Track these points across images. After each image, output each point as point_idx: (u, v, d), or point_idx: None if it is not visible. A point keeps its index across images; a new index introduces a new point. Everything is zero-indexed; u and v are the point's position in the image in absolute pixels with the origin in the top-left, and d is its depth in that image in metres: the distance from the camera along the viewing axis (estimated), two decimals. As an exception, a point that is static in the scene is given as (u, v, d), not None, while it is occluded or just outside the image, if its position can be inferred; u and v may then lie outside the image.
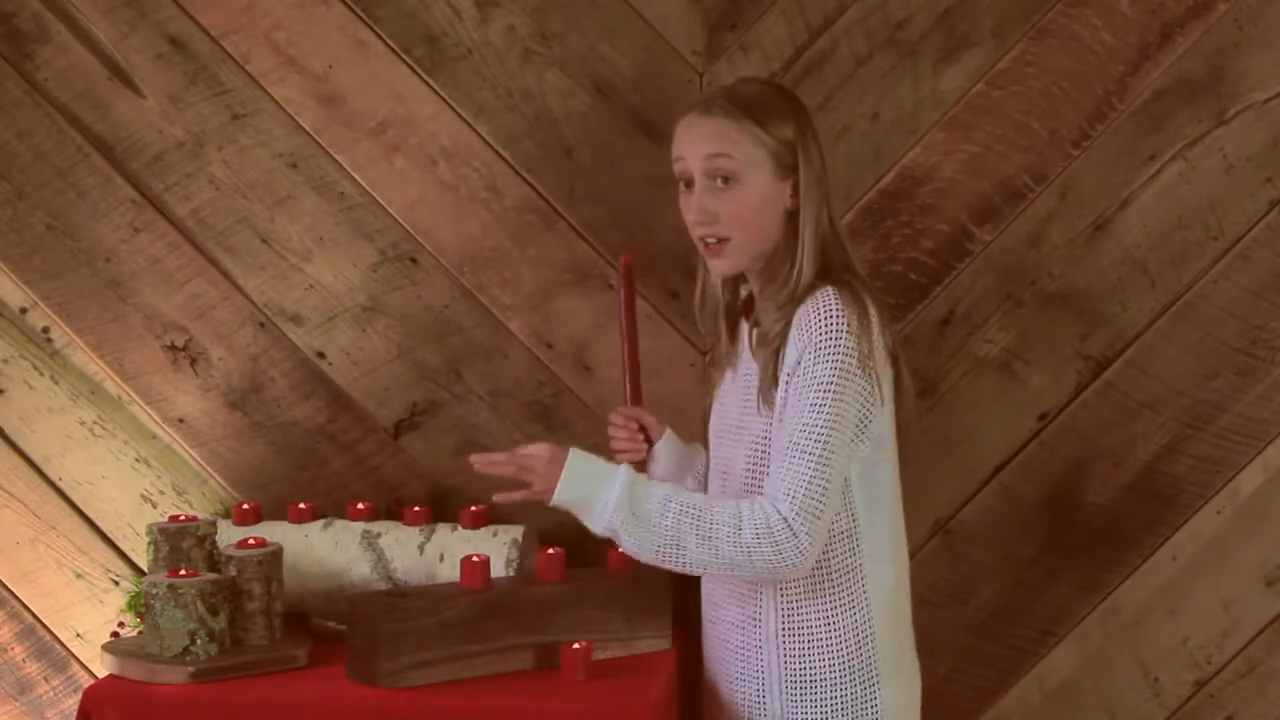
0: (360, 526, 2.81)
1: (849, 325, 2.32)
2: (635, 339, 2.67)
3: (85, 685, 2.66)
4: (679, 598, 2.70)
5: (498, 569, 2.69)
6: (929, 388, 2.90)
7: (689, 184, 2.46)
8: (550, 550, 2.62)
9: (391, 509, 2.95)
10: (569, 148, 2.92)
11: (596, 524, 2.34)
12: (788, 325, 2.37)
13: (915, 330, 2.90)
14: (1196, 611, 2.91)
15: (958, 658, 2.93)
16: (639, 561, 2.66)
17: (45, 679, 3.05)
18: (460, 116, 2.93)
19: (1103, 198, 2.86)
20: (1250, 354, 2.86)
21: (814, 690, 2.40)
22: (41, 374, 3.01)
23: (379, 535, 2.78)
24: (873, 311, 2.36)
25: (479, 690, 2.43)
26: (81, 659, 3.03)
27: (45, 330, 3.01)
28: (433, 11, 2.92)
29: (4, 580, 3.04)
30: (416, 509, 2.84)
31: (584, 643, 2.50)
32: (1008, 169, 2.87)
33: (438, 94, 2.93)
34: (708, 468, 2.65)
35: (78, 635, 3.03)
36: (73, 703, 2.95)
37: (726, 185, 2.42)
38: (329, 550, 2.79)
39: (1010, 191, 2.87)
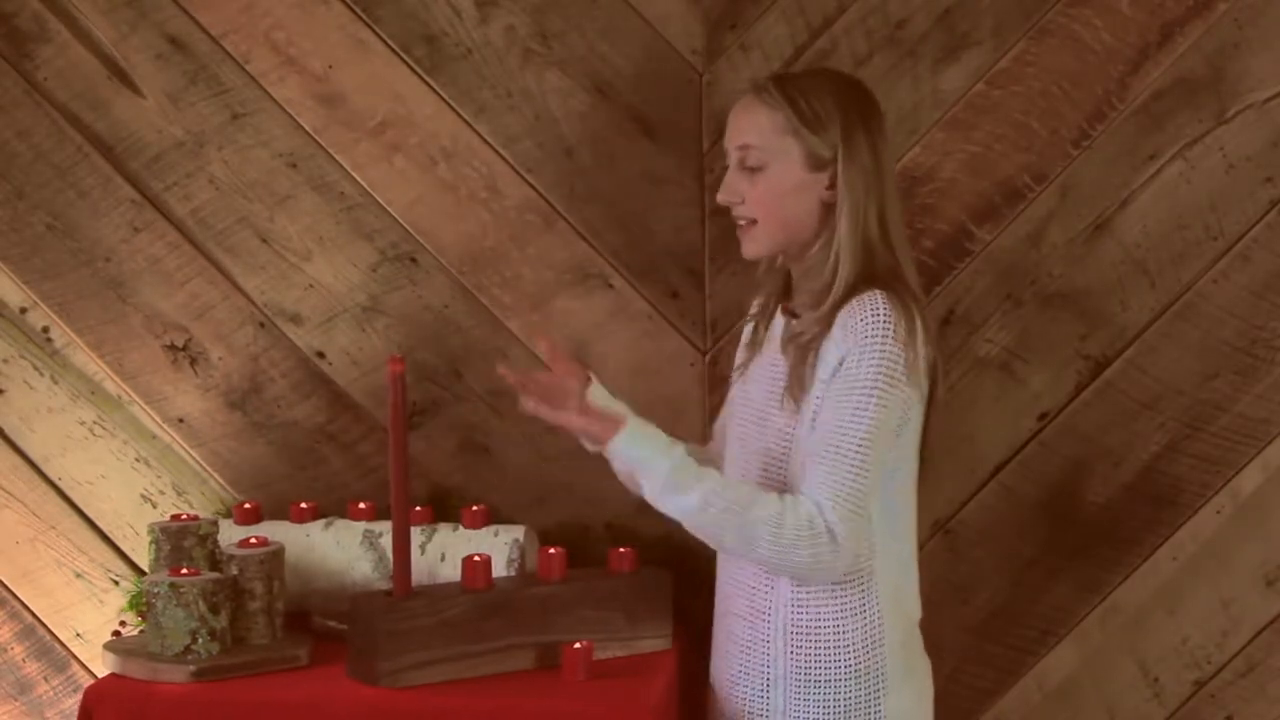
0: (361, 526, 2.81)
1: (895, 332, 2.31)
2: (404, 449, 2.51)
3: (85, 685, 2.67)
4: (679, 597, 2.70)
5: (499, 569, 2.69)
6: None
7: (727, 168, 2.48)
8: (551, 550, 2.62)
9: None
10: (569, 148, 2.92)
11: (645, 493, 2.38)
12: (828, 325, 2.36)
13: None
14: (1196, 611, 2.91)
15: (958, 658, 2.92)
16: (640, 562, 2.68)
17: (45, 679, 3.04)
18: (460, 116, 2.93)
19: (1103, 198, 2.86)
20: (1250, 354, 2.86)
21: (819, 690, 2.40)
22: (41, 374, 3.01)
23: (380, 535, 2.78)
24: (919, 322, 2.35)
25: (479, 690, 2.44)
26: (81, 659, 3.03)
27: (45, 330, 3.01)
28: (433, 11, 2.92)
29: (4, 580, 3.04)
30: (417, 509, 2.84)
31: (584, 642, 2.50)
32: (1008, 169, 2.87)
33: (438, 94, 2.93)
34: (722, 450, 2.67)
35: (78, 635, 3.03)
36: (73, 703, 2.95)
37: (754, 172, 2.43)
38: (330, 550, 2.79)
39: (1010, 191, 2.87)
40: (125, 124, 2.97)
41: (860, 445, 2.30)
